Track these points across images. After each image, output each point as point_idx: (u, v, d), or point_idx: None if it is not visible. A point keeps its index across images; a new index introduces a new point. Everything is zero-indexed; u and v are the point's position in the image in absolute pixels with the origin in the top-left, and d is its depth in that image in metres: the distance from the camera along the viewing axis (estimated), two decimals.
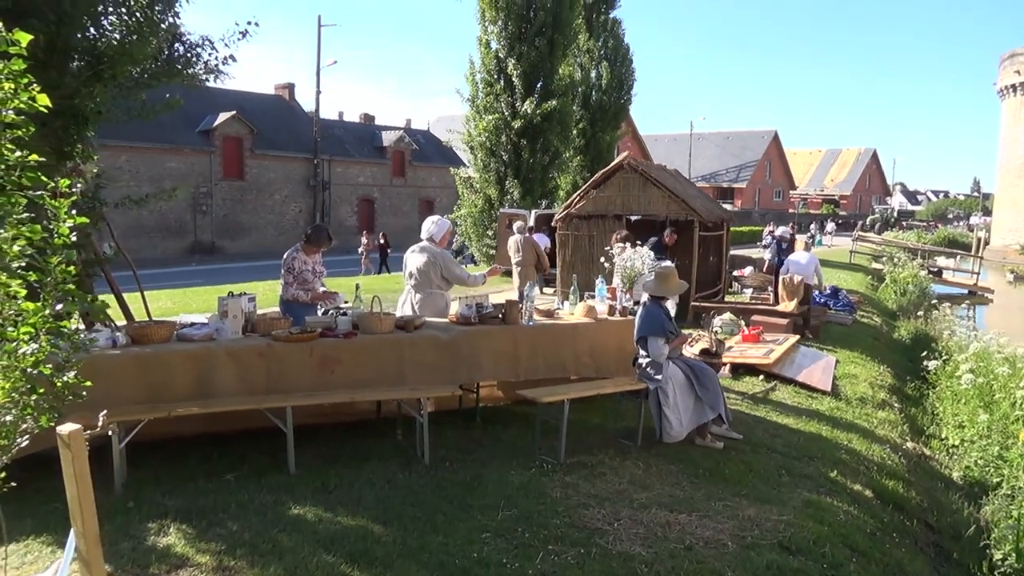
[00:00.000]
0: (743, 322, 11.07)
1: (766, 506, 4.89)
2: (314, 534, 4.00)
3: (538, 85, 21.11)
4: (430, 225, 6.83)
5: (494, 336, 6.09)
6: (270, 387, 5.23)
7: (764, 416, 7.27)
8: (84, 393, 2.60)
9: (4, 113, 2.41)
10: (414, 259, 6.70)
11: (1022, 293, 31.28)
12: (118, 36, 6.40)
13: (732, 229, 19.38)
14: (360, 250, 26.50)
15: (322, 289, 6.90)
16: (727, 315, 11.29)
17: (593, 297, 7.38)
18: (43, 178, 2.46)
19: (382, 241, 27.42)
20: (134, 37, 6.33)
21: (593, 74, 27.60)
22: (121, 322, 7.16)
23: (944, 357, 11.06)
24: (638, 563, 3.90)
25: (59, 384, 2.51)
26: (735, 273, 17.36)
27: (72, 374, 2.53)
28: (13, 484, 2.68)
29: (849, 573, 4.22)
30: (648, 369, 5.95)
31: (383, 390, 5.51)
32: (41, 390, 2.50)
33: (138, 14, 6.41)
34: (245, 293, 5.90)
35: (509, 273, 17.35)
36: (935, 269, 29.68)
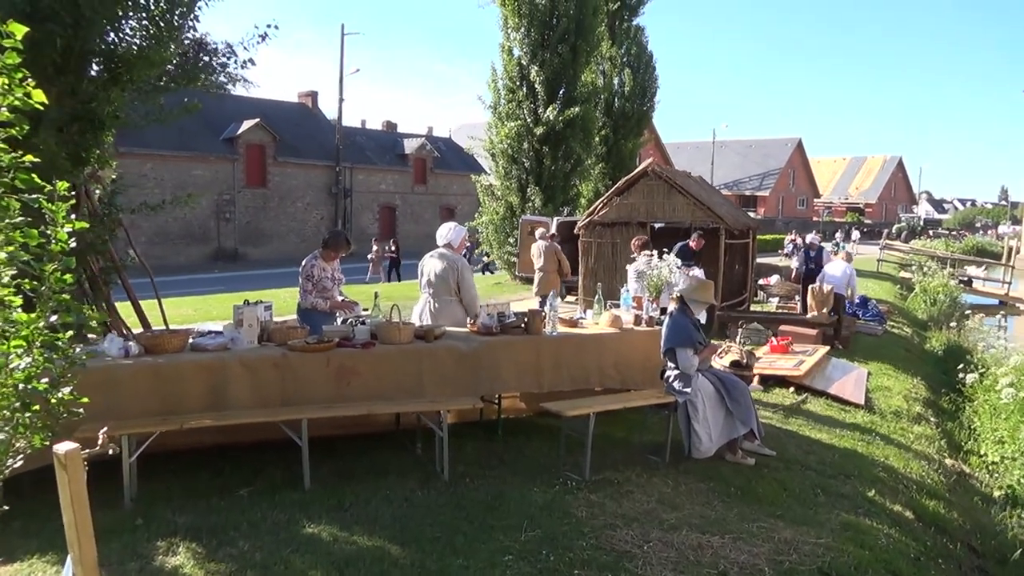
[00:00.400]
0: (771, 332, 10.79)
1: (803, 528, 4.64)
2: (328, 555, 3.82)
3: (560, 92, 20.93)
4: (447, 231, 6.64)
5: (516, 347, 5.89)
6: (285, 399, 5.07)
7: (796, 431, 7.00)
8: (81, 411, 2.45)
9: None
10: (431, 265, 6.52)
11: None
12: (138, 41, 6.32)
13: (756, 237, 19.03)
14: (370, 257, 26.34)
15: (341, 298, 6.74)
16: (754, 324, 11.02)
17: (618, 306, 7.18)
18: (38, 180, 2.31)
19: (392, 248, 27.28)
20: (153, 42, 6.25)
21: (616, 81, 27.39)
22: (138, 329, 7.09)
23: (981, 370, 10.69)
24: None
25: (54, 401, 2.35)
26: (761, 282, 17.03)
27: (67, 390, 2.37)
28: (6, 508, 2.53)
29: None
30: (676, 382, 5.72)
31: (401, 402, 5.32)
32: (35, 407, 2.34)
33: (158, 18, 6.33)
34: (261, 301, 5.76)
35: (531, 280, 17.19)
36: (965, 278, 29.04)
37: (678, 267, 7.25)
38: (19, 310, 2.31)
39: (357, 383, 5.26)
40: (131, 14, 6.24)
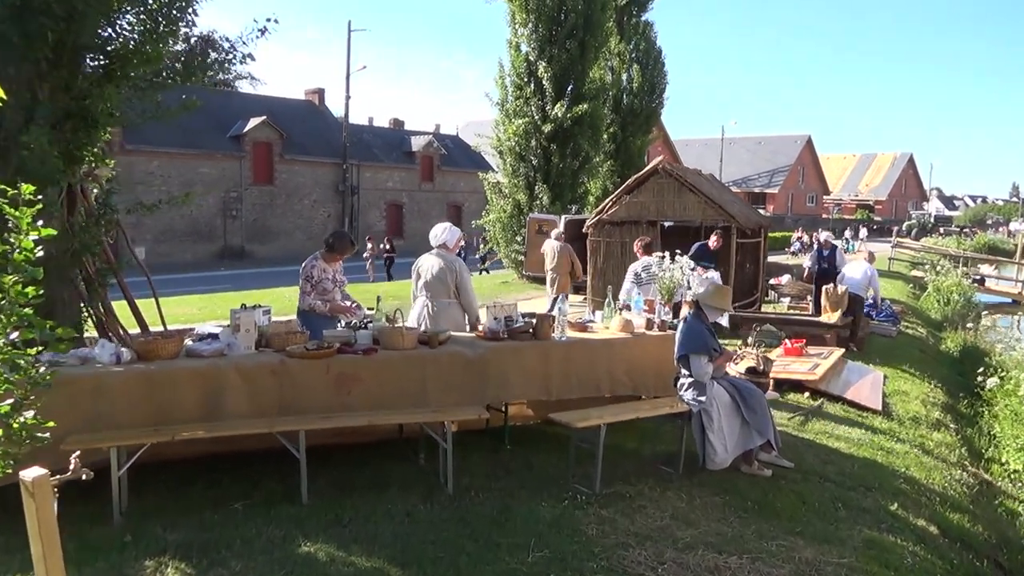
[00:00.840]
0: (784, 334, 10.54)
1: (824, 546, 4.42)
2: None
3: (569, 88, 20.69)
4: (442, 232, 6.39)
5: (524, 352, 5.68)
6: (283, 407, 4.87)
7: (813, 439, 6.76)
8: (47, 435, 2.25)
9: None
10: (428, 267, 6.29)
11: None
12: (136, 36, 6.12)
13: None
14: (366, 255, 26.14)
15: (346, 302, 6.51)
16: (767, 326, 10.77)
17: (629, 310, 6.96)
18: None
19: (387, 247, 27.09)
20: (150, 36, 6.05)
21: (624, 77, 27.14)
22: (135, 330, 6.90)
23: (1001, 373, 10.41)
24: None
25: (15, 425, 2.16)
26: (771, 281, 16.75)
27: (31, 414, 2.17)
28: None
29: None
30: (690, 390, 5.49)
31: (404, 412, 5.12)
32: None
33: (156, 13, 6.13)
34: (259, 305, 5.58)
35: (542, 280, 16.96)
36: (978, 277, 28.66)
37: (692, 268, 7.05)
38: None
39: (358, 390, 5.06)
40: (127, 8, 6.05)
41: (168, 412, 4.63)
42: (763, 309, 14.19)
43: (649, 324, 6.43)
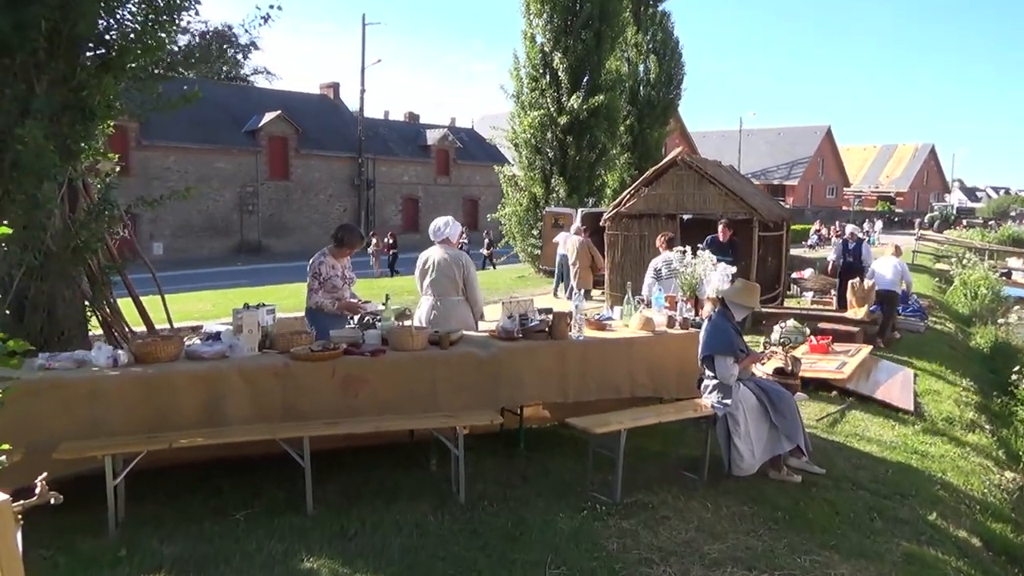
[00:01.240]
0: (808, 330, 10.20)
1: (861, 561, 4.14)
2: None
3: (584, 80, 20.34)
4: (444, 226, 6.10)
5: (539, 353, 5.42)
6: (287, 412, 4.65)
7: (843, 442, 6.46)
8: (2, 458, 2.02)
9: None
10: (435, 263, 5.97)
11: None
12: (136, 26, 5.91)
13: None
14: (370, 251, 25.93)
15: (358, 300, 6.27)
16: (791, 322, 10.42)
17: (649, 306, 6.68)
18: None
19: (390, 241, 26.90)
20: (151, 26, 5.84)
21: (641, 68, 26.77)
22: (139, 327, 6.72)
23: None
24: None
25: None
26: (794, 275, 16.37)
27: None
28: None
29: None
30: (715, 392, 5.21)
31: (413, 418, 4.87)
32: None
33: (157, 2, 5.92)
34: (264, 304, 5.36)
35: (554, 272, 16.70)
36: (1005, 270, 28.01)
37: (714, 263, 6.77)
38: None
39: (365, 393, 4.82)
40: None
41: (167, 417, 4.42)
42: (785, 304, 13.83)
43: (671, 322, 6.15)
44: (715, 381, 5.20)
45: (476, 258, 22.68)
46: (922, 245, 34.63)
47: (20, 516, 2.06)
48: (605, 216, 13.71)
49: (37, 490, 2.10)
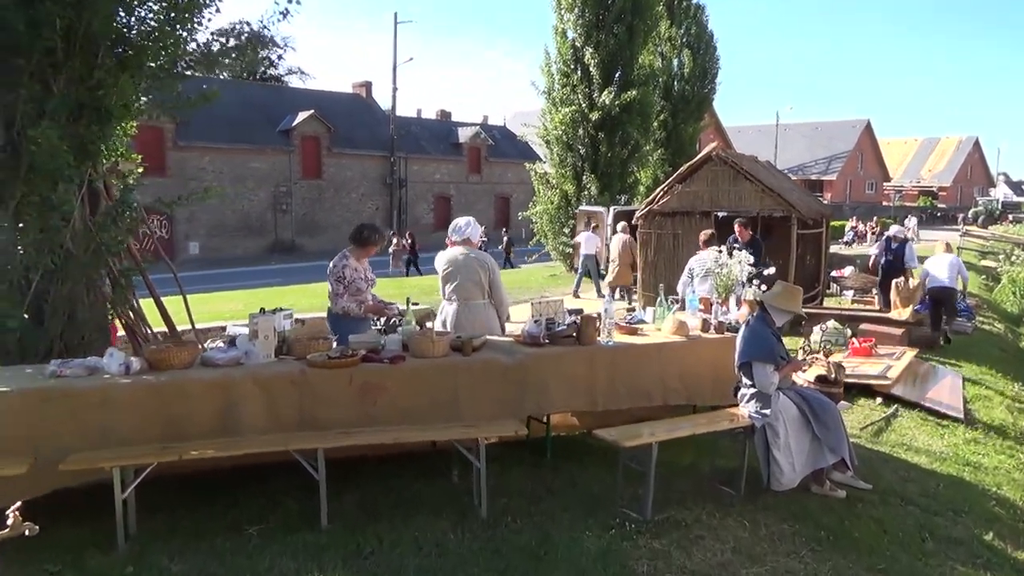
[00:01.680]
0: (849, 332, 9.80)
1: None
2: None
3: (617, 75, 20.01)
4: (465, 227, 5.89)
5: (567, 359, 5.18)
6: (303, 420, 4.47)
7: (889, 452, 6.11)
8: None
9: None
10: (457, 266, 5.73)
11: None
12: (155, 24, 5.79)
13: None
14: (391, 250, 25.80)
15: (383, 302, 6.09)
16: (832, 323, 10.03)
17: (683, 308, 6.40)
18: None
19: (409, 241, 26.78)
20: (169, 26, 5.72)
21: (675, 63, 26.37)
22: (160, 328, 6.61)
23: None
24: None
25: None
26: (834, 274, 15.88)
27: None
28: None
29: None
30: (753, 402, 4.92)
31: (433, 428, 4.66)
32: None
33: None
34: (281, 308, 5.20)
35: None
36: None
37: (751, 264, 6.47)
38: None
39: (384, 401, 4.63)
40: None
41: (180, 426, 4.28)
42: (825, 303, 13.39)
43: (705, 325, 5.86)
44: (753, 389, 4.91)
45: (496, 257, 22.54)
46: (967, 241, 33.67)
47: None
48: (638, 214, 13.41)
49: (9, 521, 1.93)
